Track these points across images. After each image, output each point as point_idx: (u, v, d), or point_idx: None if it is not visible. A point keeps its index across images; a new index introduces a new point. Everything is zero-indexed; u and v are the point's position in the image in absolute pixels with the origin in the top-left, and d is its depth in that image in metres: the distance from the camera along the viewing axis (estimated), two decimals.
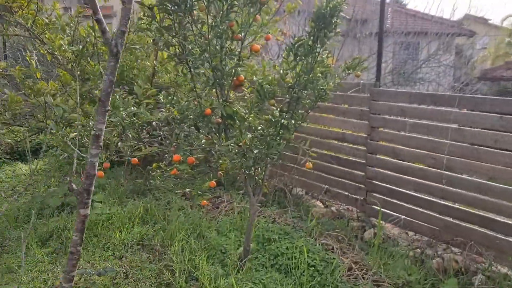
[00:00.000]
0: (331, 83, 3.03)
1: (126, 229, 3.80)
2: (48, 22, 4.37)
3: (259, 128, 2.96)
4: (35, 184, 5.41)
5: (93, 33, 4.61)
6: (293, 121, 2.98)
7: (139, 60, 4.97)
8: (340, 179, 4.62)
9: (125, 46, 4.81)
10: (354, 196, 4.49)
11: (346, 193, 4.58)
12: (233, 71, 2.90)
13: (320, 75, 2.88)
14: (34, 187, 5.28)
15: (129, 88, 4.87)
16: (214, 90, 2.87)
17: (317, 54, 2.80)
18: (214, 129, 2.95)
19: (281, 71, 2.99)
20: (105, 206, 4.14)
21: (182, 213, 4.13)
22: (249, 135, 2.94)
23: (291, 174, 5.05)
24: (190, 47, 2.81)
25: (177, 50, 2.81)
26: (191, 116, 2.82)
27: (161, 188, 4.50)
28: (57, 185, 5.29)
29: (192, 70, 2.89)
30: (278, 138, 2.89)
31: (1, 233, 3.97)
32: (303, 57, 2.79)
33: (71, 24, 4.55)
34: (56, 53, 4.63)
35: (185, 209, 4.24)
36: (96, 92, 4.36)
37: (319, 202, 4.88)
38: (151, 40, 3.00)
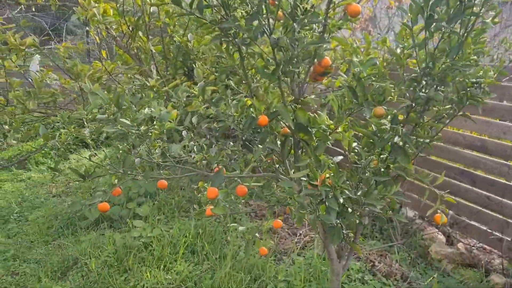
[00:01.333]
0: (491, 73, 1.65)
1: (165, 264, 2.81)
2: None
3: (355, 149, 1.71)
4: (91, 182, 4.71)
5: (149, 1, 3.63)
6: (416, 139, 1.68)
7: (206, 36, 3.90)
8: (475, 206, 3.19)
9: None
10: (496, 234, 3.04)
11: (484, 228, 3.14)
12: (313, 50, 1.66)
13: (474, 57, 1.53)
14: (89, 186, 4.57)
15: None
16: (276, 82, 1.67)
17: (472, 18, 1.45)
18: (276, 148, 1.76)
19: (398, 50, 1.68)
20: (148, 226, 3.20)
21: (244, 242, 3.04)
22: (337, 159, 1.71)
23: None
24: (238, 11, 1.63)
25: (215, 15, 1.65)
26: (232, 126, 1.67)
27: None
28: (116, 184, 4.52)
29: (241, 48, 1.72)
30: (386, 172, 1.62)
31: (20, 252, 3.20)
32: (443, 24, 1.45)
33: None
34: (108, 27, 3.75)
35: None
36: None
37: (439, 233, 3.46)
38: None
